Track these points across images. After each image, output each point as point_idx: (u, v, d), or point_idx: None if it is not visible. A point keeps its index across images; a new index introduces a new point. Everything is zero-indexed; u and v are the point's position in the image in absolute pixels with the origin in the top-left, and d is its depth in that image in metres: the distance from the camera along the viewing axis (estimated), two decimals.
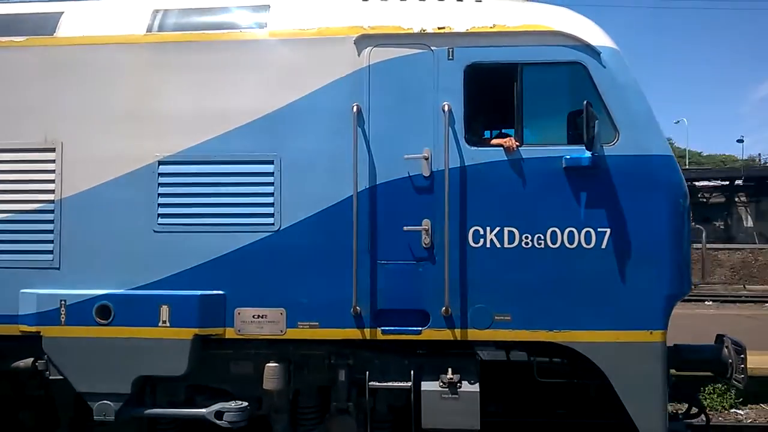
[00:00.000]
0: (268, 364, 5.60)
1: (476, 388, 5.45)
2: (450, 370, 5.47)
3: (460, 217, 5.46)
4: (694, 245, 5.95)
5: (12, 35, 5.88)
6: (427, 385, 5.48)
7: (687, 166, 49.48)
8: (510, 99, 5.56)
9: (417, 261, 5.49)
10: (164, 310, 5.52)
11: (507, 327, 5.45)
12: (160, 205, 5.65)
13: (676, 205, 5.47)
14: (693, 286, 5.85)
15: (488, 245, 5.44)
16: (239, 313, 5.56)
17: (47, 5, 6.12)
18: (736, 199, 43.82)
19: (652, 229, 5.37)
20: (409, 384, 5.53)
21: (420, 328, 5.48)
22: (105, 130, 5.72)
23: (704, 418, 6.37)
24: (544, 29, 5.55)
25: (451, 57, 5.54)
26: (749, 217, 42.69)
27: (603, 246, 5.38)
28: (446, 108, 5.45)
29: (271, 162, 5.59)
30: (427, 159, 5.47)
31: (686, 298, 6.64)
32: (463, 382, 5.46)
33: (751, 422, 8.86)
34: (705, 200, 43.45)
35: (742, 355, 5.74)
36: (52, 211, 5.71)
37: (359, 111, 5.51)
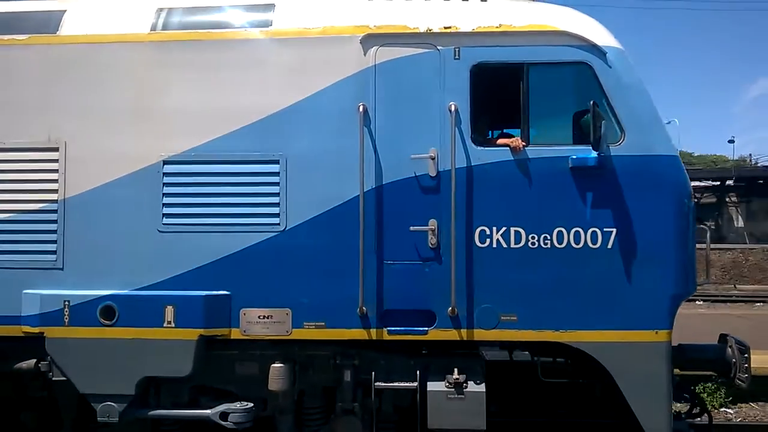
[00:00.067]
0: (273, 365, 5.58)
1: (482, 388, 5.44)
2: (456, 370, 5.46)
3: (467, 217, 5.46)
4: (698, 245, 5.97)
5: (14, 33, 5.82)
6: (433, 386, 5.47)
7: None
8: (516, 99, 5.56)
9: (423, 261, 5.48)
10: (169, 311, 5.49)
11: (513, 327, 5.45)
12: (165, 205, 5.62)
13: (681, 205, 5.50)
14: (698, 286, 5.87)
15: (495, 245, 5.44)
16: (245, 314, 5.53)
17: (49, 3, 6.07)
18: (727, 200, 44.03)
19: (658, 229, 5.39)
20: (415, 384, 5.52)
21: (426, 329, 5.48)
22: (109, 130, 5.68)
23: (707, 417, 6.40)
24: (550, 29, 5.55)
25: (457, 57, 5.53)
26: (740, 217, 42.90)
27: (609, 246, 5.38)
28: (453, 108, 5.44)
29: (276, 162, 5.56)
30: (433, 159, 5.46)
31: None
32: (469, 382, 5.45)
33: (756, 421, 8.92)
34: (696, 200, 43.37)
35: (746, 355, 5.77)
36: (55, 211, 5.66)
37: (365, 111, 5.49)
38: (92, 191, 5.66)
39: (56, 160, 5.69)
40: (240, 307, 5.53)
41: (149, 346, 5.48)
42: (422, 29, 5.58)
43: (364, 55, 5.57)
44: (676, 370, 5.96)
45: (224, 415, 5.49)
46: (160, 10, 5.89)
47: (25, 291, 5.60)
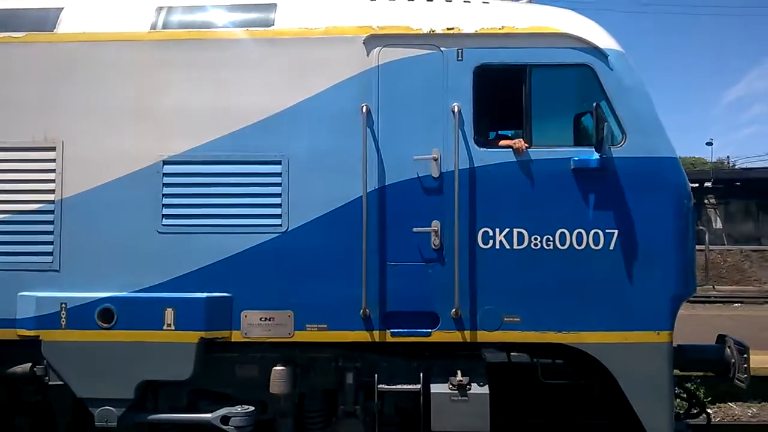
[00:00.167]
0: (275, 368, 5.52)
1: (486, 390, 5.43)
2: (459, 372, 5.45)
3: (470, 218, 5.45)
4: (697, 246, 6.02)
5: (10, 31, 5.72)
6: (436, 388, 5.44)
7: None
8: (519, 100, 5.57)
9: (426, 262, 5.46)
10: (169, 313, 5.41)
11: (516, 328, 5.45)
12: (165, 205, 5.54)
13: (681, 206, 5.54)
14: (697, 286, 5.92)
15: (497, 247, 5.44)
16: (246, 316, 5.47)
17: (47, 0, 5.95)
18: (705, 201, 44.58)
19: (660, 230, 5.42)
20: (419, 386, 5.50)
21: (429, 330, 5.46)
22: (107, 129, 5.59)
23: (705, 417, 6.45)
24: (553, 31, 5.57)
25: (460, 58, 5.52)
26: (718, 218, 43.45)
27: (611, 247, 5.41)
28: (456, 109, 5.43)
29: (278, 162, 5.51)
30: (436, 160, 5.45)
31: None
32: (472, 384, 5.43)
33: (734, 420, 9.04)
34: None
35: (744, 355, 5.82)
36: (51, 212, 5.56)
37: (368, 111, 5.46)
38: (90, 192, 5.56)
39: (53, 160, 5.59)
40: (241, 309, 5.47)
41: (149, 349, 5.40)
42: (425, 30, 5.56)
43: (367, 55, 5.54)
44: (676, 371, 6.00)
45: (225, 419, 5.42)
46: (160, 8, 5.81)
47: (20, 293, 5.50)
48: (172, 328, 5.41)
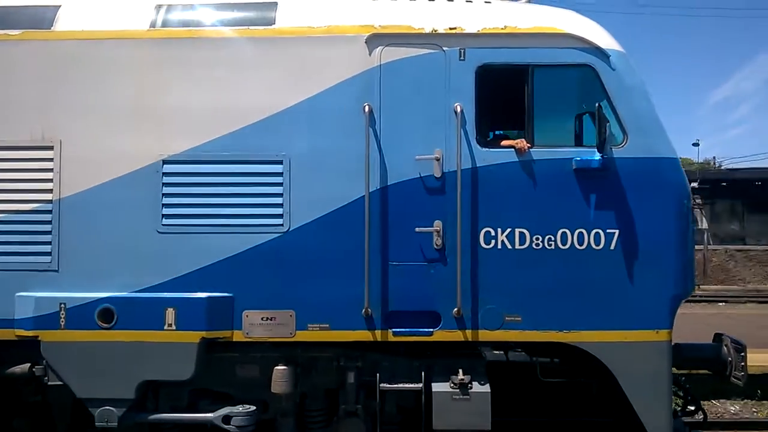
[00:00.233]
0: (276, 367, 5.51)
1: (487, 388, 5.45)
2: (461, 371, 5.46)
3: (472, 218, 5.46)
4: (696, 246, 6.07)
5: (7, 28, 5.65)
6: (438, 387, 5.45)
7: None
8: (521, 100, 5.58)
9: (428, 262, 5.46)
10: (170, 313, 5.38)
11: (517, 328, 5.46)
12: (165, 205, 5.51)
13: (681, 206, 5.57)
14: (696, 286, 5.96)
15: (499, 246, 5.45)
16: (247, 316, 5.45)
17: None
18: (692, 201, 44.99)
19: (660, 230, 5.46)
20: (420, 385, 5.50)
21: (431, 330, 5.46)
22: (106, 128, 5.55)
23: (702, 415, 6.50)
24: (555, 31, 5.59)
25: (462, 57, 5.53)
26: (704, 219, 43.82)
27: (612, 247, 5.44)
28: (458, 109, 5.44)
29: (280, 162, 5.50)
30: (438, 160, 5.45)
31: None
32: (473, 382, 5.45)
33: (718, 417, 9.10)
34: None
35: (742, 353, 5.87)
36: (50, 212, 5.51)
37: (371, 111, 5.46)
38: (88, 191, 5.52)
39: (51, 159, 5.54)
40: (242, 309, 5.45)
41: (149, 349, 5.37)
42: (427, 30, 5.57)
43: (369, 55, 5.53)
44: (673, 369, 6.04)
45: (227, 419, 5.40)
46: (159, 6, 5.77)
47: (18, 293, 5.44)
48: (174, 328, 5.38)
